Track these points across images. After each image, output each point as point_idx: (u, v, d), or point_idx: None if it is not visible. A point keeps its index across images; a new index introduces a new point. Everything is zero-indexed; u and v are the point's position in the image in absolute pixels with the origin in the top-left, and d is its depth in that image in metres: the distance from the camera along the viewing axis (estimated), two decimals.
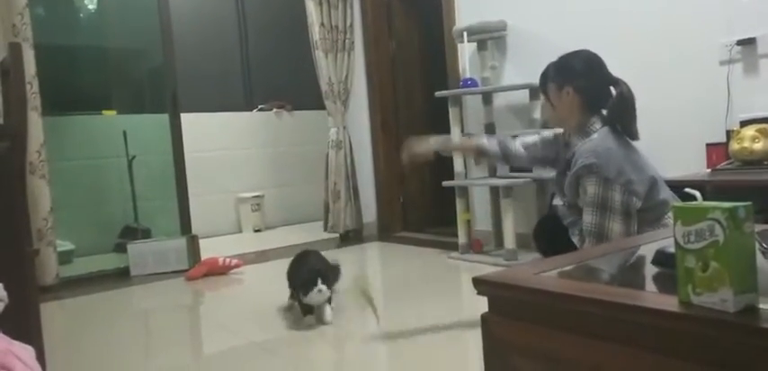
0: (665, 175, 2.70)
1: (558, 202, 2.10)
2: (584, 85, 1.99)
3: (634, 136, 2.00)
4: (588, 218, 1.88)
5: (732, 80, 2.67)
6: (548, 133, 2.23)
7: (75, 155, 4.76)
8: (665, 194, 1.94)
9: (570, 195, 1.98)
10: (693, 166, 2.71)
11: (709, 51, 2.74)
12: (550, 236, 2.11)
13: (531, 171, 3.16)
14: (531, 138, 2.26)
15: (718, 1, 2.71)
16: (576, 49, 2.11)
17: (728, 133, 2.56)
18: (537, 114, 3.29)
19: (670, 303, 0.78)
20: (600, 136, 1.94)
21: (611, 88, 2.01)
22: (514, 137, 2.35)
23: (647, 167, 1.95)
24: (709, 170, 2.58)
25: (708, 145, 2.69)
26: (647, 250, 1.05)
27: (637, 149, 2.00)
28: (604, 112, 2.00)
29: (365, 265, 3.99)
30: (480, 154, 2.42)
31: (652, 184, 1.91)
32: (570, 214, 2.01)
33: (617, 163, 1.87)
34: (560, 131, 2.15)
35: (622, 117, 1.98)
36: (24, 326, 1.40)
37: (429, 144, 2.33)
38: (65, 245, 4.14)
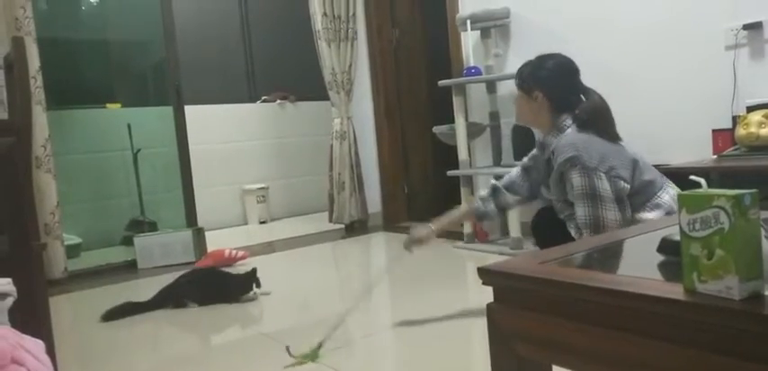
0: (671, 161, 2.70)
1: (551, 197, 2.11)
2: (555, 92, 2.02)
3: (614, 139, 1.99)
4: (580, 211, 1.88)
5: (738, 65, 2.65)
6: (525, 160, 2.25)
7: (80, 149, 4.78)
8: (651, 174, 1.95)
9: (558, 192, 2.00)
10: (699, 152, 2.70)
11: (715, 36, 2.71)
12: (548, 228, 2.12)
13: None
14: (514, 175, 2.25)
15: None
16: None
17: (735, 119, 2.55)
18: None
19: (675, 291, 0.78)
20: (573, 129, 1.97)
21: (582, 97, 2.03)
22: (499, 178, 2.34)
23: (627, 152, 1.95)
24: (715, 156, 2.57)
25: (714, 131, 2.67)
26: (652, 238, 1.05)
27: (620, 139, 2.01)
28: (577, 111, 2.01)
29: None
30: (479, 219, 2.42)
31: (634, 166, 1.91)
32: (565, 209, 2.01)
33: (598, 151, 1.88)
34: (535, 151, 2.18)
35: (595, 123, 1.98)
36: (33, 320, 1.42)
37: (430, 229, 2.29)
38: (72, 239, 4.16)
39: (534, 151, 2.21)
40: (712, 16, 2.72)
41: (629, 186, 1.88)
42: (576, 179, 1.88)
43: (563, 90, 2.03)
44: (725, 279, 0.73)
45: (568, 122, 2.00)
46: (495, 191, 2.28)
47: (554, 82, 2.04)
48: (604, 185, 1.85)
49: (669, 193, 1.92)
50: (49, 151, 3.43)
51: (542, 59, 2.10)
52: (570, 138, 1.94)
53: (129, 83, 5.58)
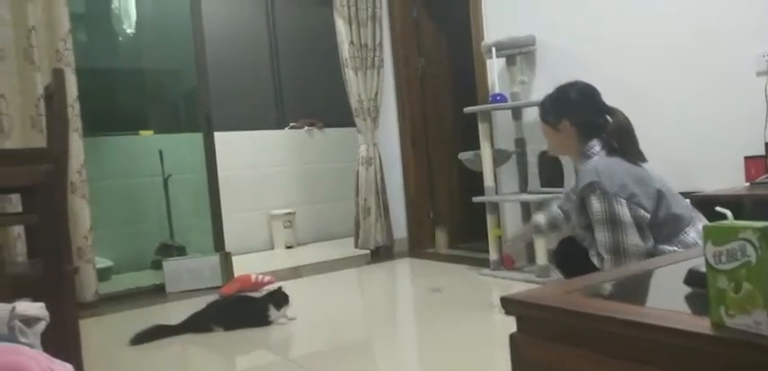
0: (703, 188, 2.65)
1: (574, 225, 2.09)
2: (581, 118, 2.02)
3: (638, 160, 1.97)
4: (601, 236, 1.86)
5: None
6: (567, 188, 2.26)
7: (113, 174, 4.90)
8: (680, 208, 1.90)
9: (579, 220, 1.98)
10: (731, 179, 2.64)
11: (746, 62, 2.67)
12: (571, 258, 2.09)
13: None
14: (565, 202, 2.29)
15: (755, 11, 2.65)
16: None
17: (767, 146, 2.49)
18: None
19: (702, 325, 0.77)
20: (601, 155, 1.96)
21: (608, 117, 2.02)
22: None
23: (653, 181, 1.91)
24: (747, 184, 2.51)
25: (746, 158, 2.62)
26: (679, 269, 1.03)
27: (645, 167, 1.97)
28: (604, 135, 2.01)
29: (396, 281, 3.99)
30: (552, 224, 2.38)
31: (659, 196, 1.87)
32: (587, 236, 1.98)
33: (619, 178, 1.86)
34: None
35: (621, 144, 1.97)
36: (64, 343, 1.45)
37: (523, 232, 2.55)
38: (104, 262, 4.26)
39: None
40: (743, 42, 2.68)
41: (649, 216, 1.84)
42: (595, 204, 1.86)
43: (588, 114, 2.03)
44: (753, 314, 0.71)
45: (597, 148, 1.98)
46: (552, 209, 2.33)
47: (578, 108, 2.03)
48: (624, 211, 1.82)
49: (697, 228, 1.86)
50: (83, 177, 3.53)
51: (562, 90, 2.10)
52: (594, 163, 1.93)
53: (161, 110, 5.73)
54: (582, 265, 1.90)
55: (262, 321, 2.79)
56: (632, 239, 1.81)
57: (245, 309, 2.88)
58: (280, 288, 2.90)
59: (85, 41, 5.02)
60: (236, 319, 2.81)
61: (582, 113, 2.03)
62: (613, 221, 1.83)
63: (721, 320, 0.75)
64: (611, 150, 1.97)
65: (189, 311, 2.88)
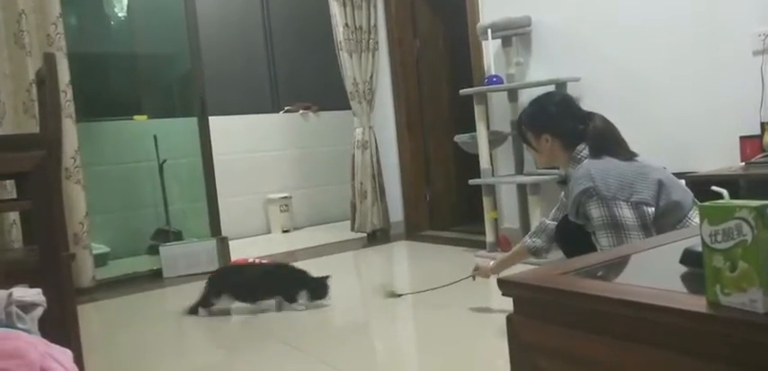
0: (699, 169, 2.66)
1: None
2: (561, 128, 2.01)
3: (629, 157, 1.93)
4: (604, 242, 1.81)
5: (766, 71, 2.60)
6: (562, 195, 2.25)
7: (108, 160, 4.88)
8: (679, 195, 1.86)
9: (579, 221, 1.96)
10: (727, 159, 2.65)
11: (742, 41, 2.67)
12: (573, 237, 2.09)
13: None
14: (559, 206, 2.28)
15: None
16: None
17: (763, 125, 2.50)
18: None
19: (698, 304, 0.77)
20: (591, 159, 1.93)
21: (589, 123, 2.00)
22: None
23: (651, 171, 1.87)
24: (742, 164, 2.52)
25: (741, 138, 2.62)
26: (675, 249, 1.03)
27: (639, 158, 1.95)
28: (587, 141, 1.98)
29: (392, 267, 4.00)
30: (534, 255, 2.42)
31: (659, 187, 1.83)
32: (591, 226, 1.97)
33: (616, 178, 1.82)
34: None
35: (604, 148, 1.94)
36: (62, 329, 1.45)
37: (491, 266, 2.48)
38: (100, 248, 4.25)
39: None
40: (739, 21, 2.67)
41: (653, 209, 1.80)
42: (594, 210, 1.82)
43: (568, 124, 2.01)
44: (749, 292, 0.72)
45: (585, 152, 1.96)
46: (543, 227, 2.32)
47: (557, 120, 2.02)
48: (625, 213, 1.79)
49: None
50: (78, 163, 3.52)
51: (538, 103, 2.10)
52: (586, 167, 1.89)
53: (155, 95, 5.70)
54: (583, 243, 1.89)
55: (291, 299, 2.74)
56: (636, 240, 1.77)
57: (298, 282, 2.78)
58: (326, 278, 2.76)
59: (77, 26, 4.98)
60: (286, 292, 2.74)
61: (561, 124, 2.01)
62: (615, 226, 1.79)
63: (717, 298, 0.75)
64: (597, 152, 1.93)
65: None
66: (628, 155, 1.94)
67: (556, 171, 3.24)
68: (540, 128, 2.05)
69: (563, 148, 2.01)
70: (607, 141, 1.95)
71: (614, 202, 1.79)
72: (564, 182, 2.29)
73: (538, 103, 2.10)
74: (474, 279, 2.57)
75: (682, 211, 1.84)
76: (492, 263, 2.50)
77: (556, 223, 2.26)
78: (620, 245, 1.78)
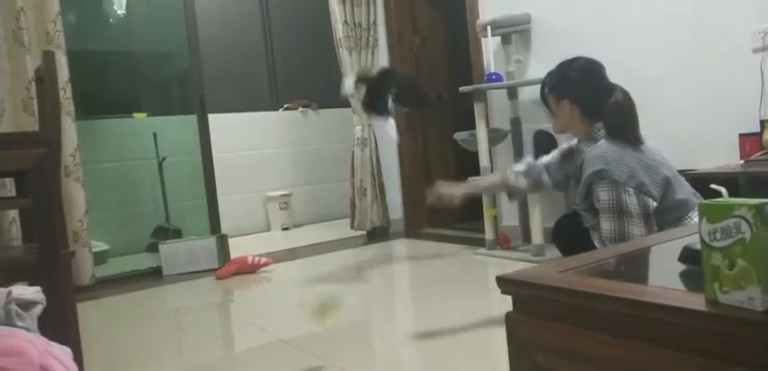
0: (698, 166, 2.66)
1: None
2: (581, 96, 1.98)
3: (638, 142, 1.93)
4: (606, 225, 1.83)
5: (766, 68, 2.60)
6: (565, 146, 2.22)
7: (107, 157, 4.88)
8: (684, 193, 1.88)
9: (583, 204, 1.96)
10: (726, 156, 2.65)
11: (742, 39, 2.66)
12: (570, 235, 2.09)
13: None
14: (553, 158, 2.24)
15: None
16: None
17: (762, 123, 2.50)
18: None
19: (696, 302, 0.77)
20: (607, 141, 1.92)
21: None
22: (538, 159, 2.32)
23: (661, 167, 1.89)
24: (742, 161, 2.52)
25: (741, 135, 2.62)
26: (674, 247, 1.03)
27: (649, 148, 1.95)
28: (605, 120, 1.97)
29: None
30: (508, 192, 2.39)
31: (666, 184, 1.85)
32: (591, 218, 1.97)
33: (627, 166, 1.83)
34: (575, 141, 2.13)
35: (620, 127, 1.92)
36: (61, 327, 1.45)
37: (458, 188, 2.38)
38: (99, 246, 4.26)
39: (573, 143, 2.16)
40: (739, 19, 2.67)
41: (656, 204, 1.82)
42: (603, 193, 1.83)
43: (590, 94, 1.98)
44: (747, 290, 0.72)
45: (603, 132, 1.95)
46: (530, 167, 2.27)
47: (579, 87, 2.00)
48: (632, 201, 1.80)
49: None
50: (77, 160, 3.52)
51: (564, 66, 2.06)
52: (601, 150, 1.89)
53: (154, 93, 5.70)
54: (581, 241, 1.90)
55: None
56: (637, 229, 1.80)
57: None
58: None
59: (76, 23, 4.97)
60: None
61: (582, 92, 1.99)
62: (620, 211, 1.81)
63: (715, 296, 0.75)
64: (613, 136, 1.92)
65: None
66: (637, 142, 1.93)
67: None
68: (560, 92, 2.02)
69: (581, 117, 1.99)
70: (624, 120, 1.93)
71: (624, 188, 1.81)
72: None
73: (562, 66, 2.07)
74: (428, 202, 2.49)
75: (684, 210, 1.86)
76: (461, 186, 2.44)
77: (543, 166, 2.24)
78: (621, 231, 1.81)
